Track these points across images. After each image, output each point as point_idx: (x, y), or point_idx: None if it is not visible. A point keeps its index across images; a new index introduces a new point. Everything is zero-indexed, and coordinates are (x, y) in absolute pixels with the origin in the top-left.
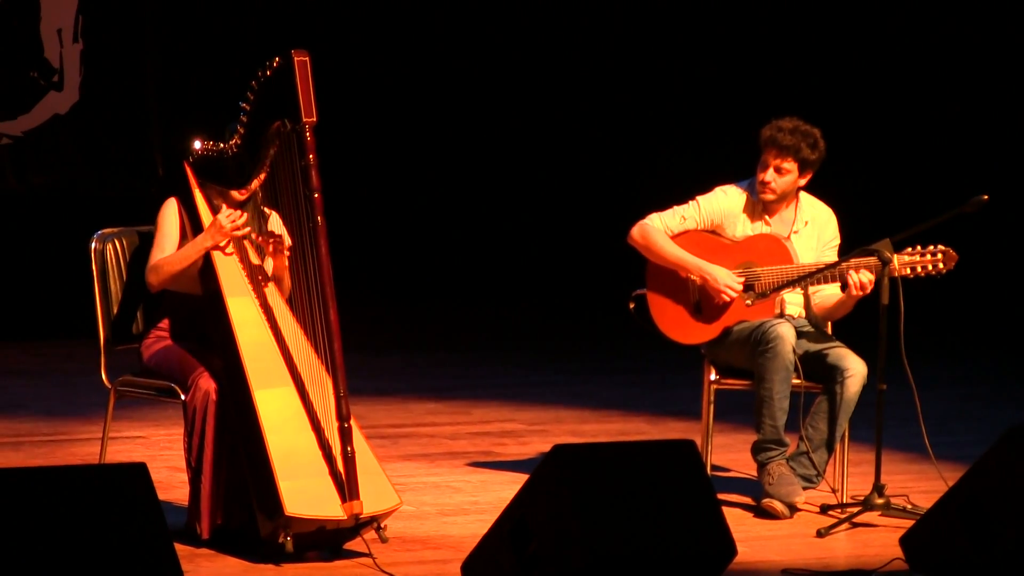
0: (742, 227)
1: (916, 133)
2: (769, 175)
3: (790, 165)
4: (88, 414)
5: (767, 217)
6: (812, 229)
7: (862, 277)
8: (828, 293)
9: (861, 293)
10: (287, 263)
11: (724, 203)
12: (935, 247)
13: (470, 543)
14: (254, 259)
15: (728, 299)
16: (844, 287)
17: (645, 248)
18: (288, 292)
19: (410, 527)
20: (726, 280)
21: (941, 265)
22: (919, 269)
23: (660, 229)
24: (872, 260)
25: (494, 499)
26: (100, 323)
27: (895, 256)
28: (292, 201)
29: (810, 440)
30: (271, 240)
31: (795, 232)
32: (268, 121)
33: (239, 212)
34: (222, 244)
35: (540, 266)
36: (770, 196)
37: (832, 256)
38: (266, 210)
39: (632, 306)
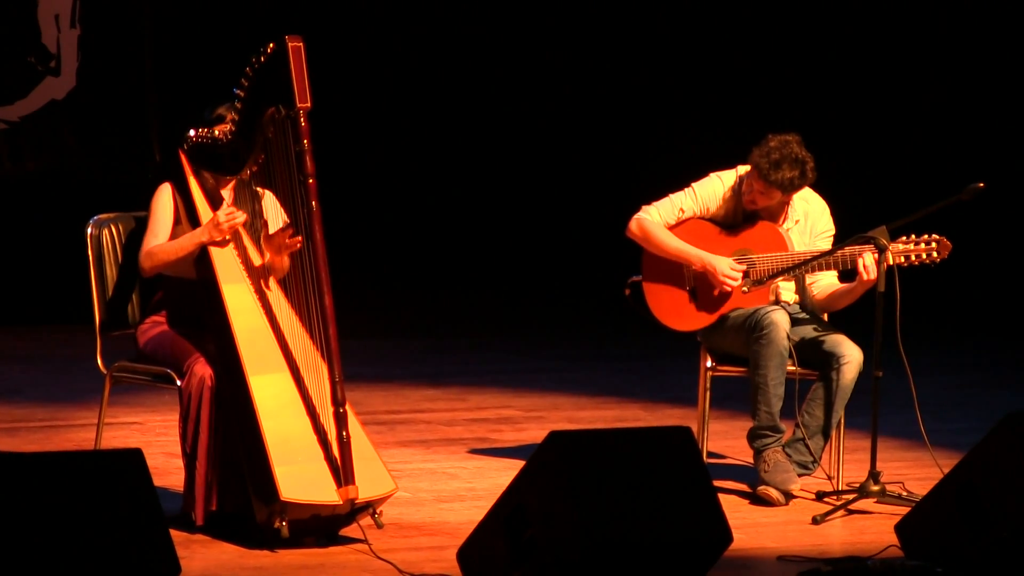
0: (734, 216)
1: (912, 121)
2: (754, 196)
3: (776, 194)
4: (84, 400)
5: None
6: (804, 225)
7: (866, 260)
8: (826, 283)
9: (871, 277)
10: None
11: (719, 189)
12: (929, 236)
13: (466, 529)
14: (249, 246)
15: (729, 289)
16: (852, 275)
17: (645, 241)
18: (286, 270)
19: (406, 513)
20: (727, 270)
21: (935, 254)
22: (913, 258)
23: (659, 223)
24: (868, 247)
25: (490, 485)
26: (96, 309)
27: (890, 245)
28: (287, 187)
29: (806, 427)
30: (280, 234)
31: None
32: (263, 107)
33: (238, 211)
34: (218, 240)
35: (537, 253)
36: (754, 209)
37: (826, 246)
38: (259, 190)
39: (628, 292)
